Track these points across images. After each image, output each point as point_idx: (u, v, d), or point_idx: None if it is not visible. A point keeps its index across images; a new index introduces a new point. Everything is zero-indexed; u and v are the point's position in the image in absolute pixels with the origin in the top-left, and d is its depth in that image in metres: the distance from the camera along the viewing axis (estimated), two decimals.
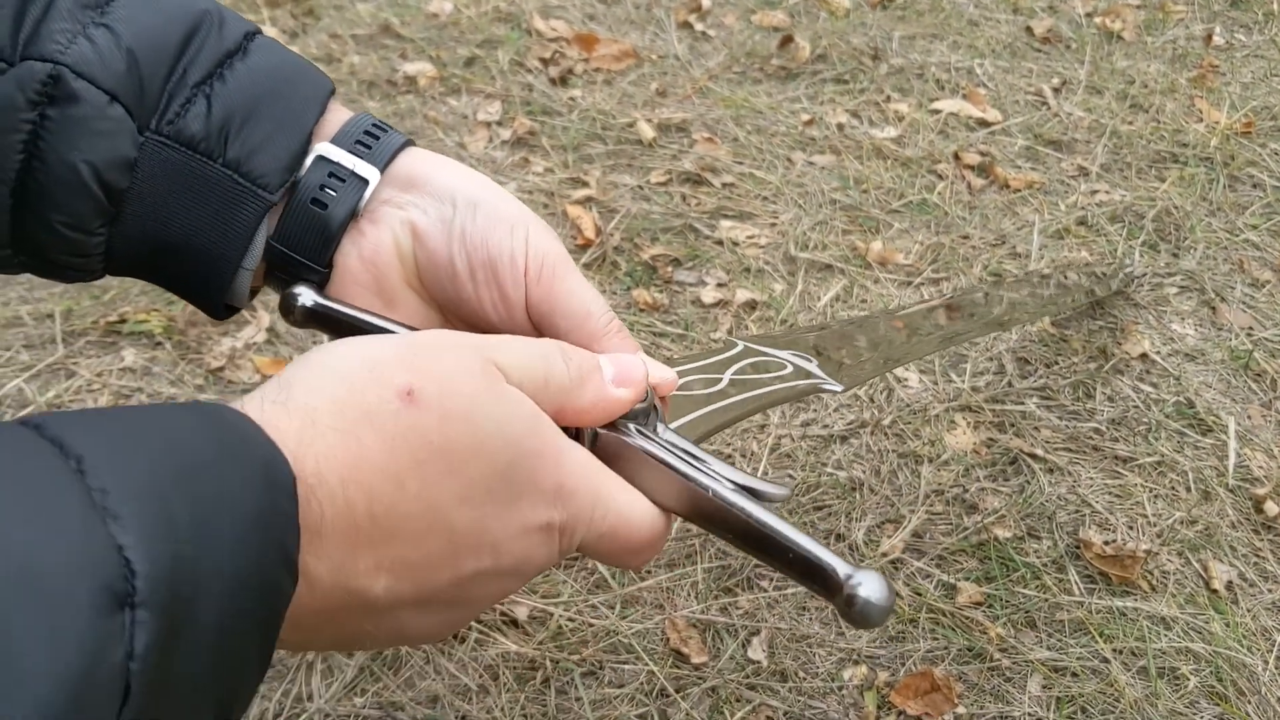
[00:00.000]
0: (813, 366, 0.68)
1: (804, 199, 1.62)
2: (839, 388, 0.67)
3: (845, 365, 0.73)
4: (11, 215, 0.47)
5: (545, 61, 1.87)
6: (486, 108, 1.76)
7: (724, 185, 1.64)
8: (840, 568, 0.40)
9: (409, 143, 0.53)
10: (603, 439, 0.47)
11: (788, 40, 1.97)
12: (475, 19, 1.98)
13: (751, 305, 1.43)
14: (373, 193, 0.51)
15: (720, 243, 1.53)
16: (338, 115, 0.53)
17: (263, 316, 1.36)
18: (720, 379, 0.59)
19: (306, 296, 0.50)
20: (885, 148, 1.74)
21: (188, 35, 0.49)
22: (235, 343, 1.33)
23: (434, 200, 0.51)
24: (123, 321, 1.35)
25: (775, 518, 0.43)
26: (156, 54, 0.48)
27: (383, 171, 0.51)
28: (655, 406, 0.49)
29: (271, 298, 1.39)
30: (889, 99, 1.86)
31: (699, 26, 2.03)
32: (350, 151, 0.51)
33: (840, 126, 1.78)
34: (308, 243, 0.50)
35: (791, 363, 0.67)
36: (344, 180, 0.50)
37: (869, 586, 0.39)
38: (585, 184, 1.60)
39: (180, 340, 1.33)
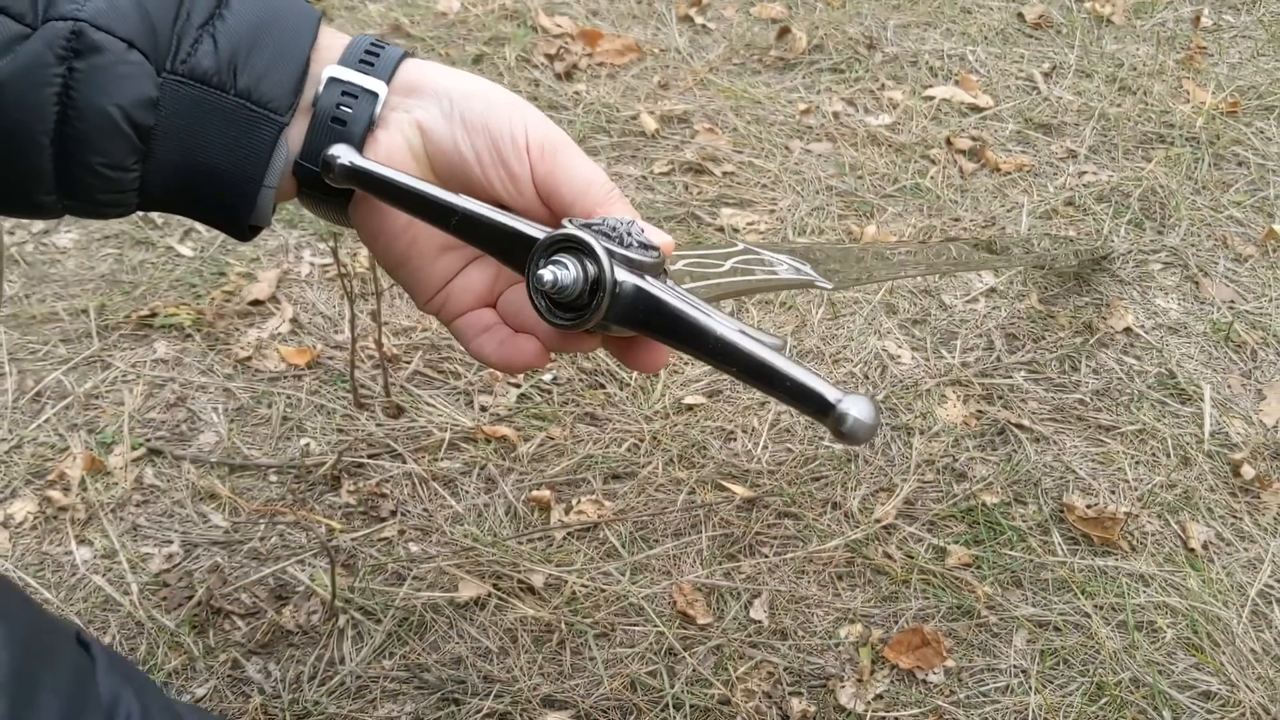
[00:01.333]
0: (806, 268, 0.74)
1: (802, 186, 1.68)
2: (829, 285, 0.73)
3: (836, 271, 0.80)
4: (54, 163, 0.53)
5: (551, 57, 1.94)
6: None
7: (724, 174, 1.70)
8: (830, 393, 0.45)
9: (406, 54, 0.59)
10: (622, 288, 0.51)
11: (785, 31, 2.03)
12: (482, 16, 2.05)
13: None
14: (383, 103, 0.57)
15: (721, 229, 1.60)
16: (333, 39, 0.59)
17: (286, 308, 1.43)
18: (722, 265, 0.65)
19: (345, 155, 0.55)
20: (880, 134, 1.80)
21: None
22: (261, 333, 1.40)
23: (434, 99, 0.57)
24: (154, 315, 1.42)
25: (774, 354, 0.48)
26: (163, 1, 0.54)
27: (388, 83, 0.57)
28: (665, 267, 0.54)
29: (294, 293, 1.46)
30: (884, 87, 1.92)
31: (699, 19, 2.09)
32: (357, 70, 0.57)
33: (836, 114, 1.84)
34: None
35: (786, 262, 0.73)
36: (356, 97, 0.56)
37: (857, 408, 0.44)
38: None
39: (209, 332, 1.40)
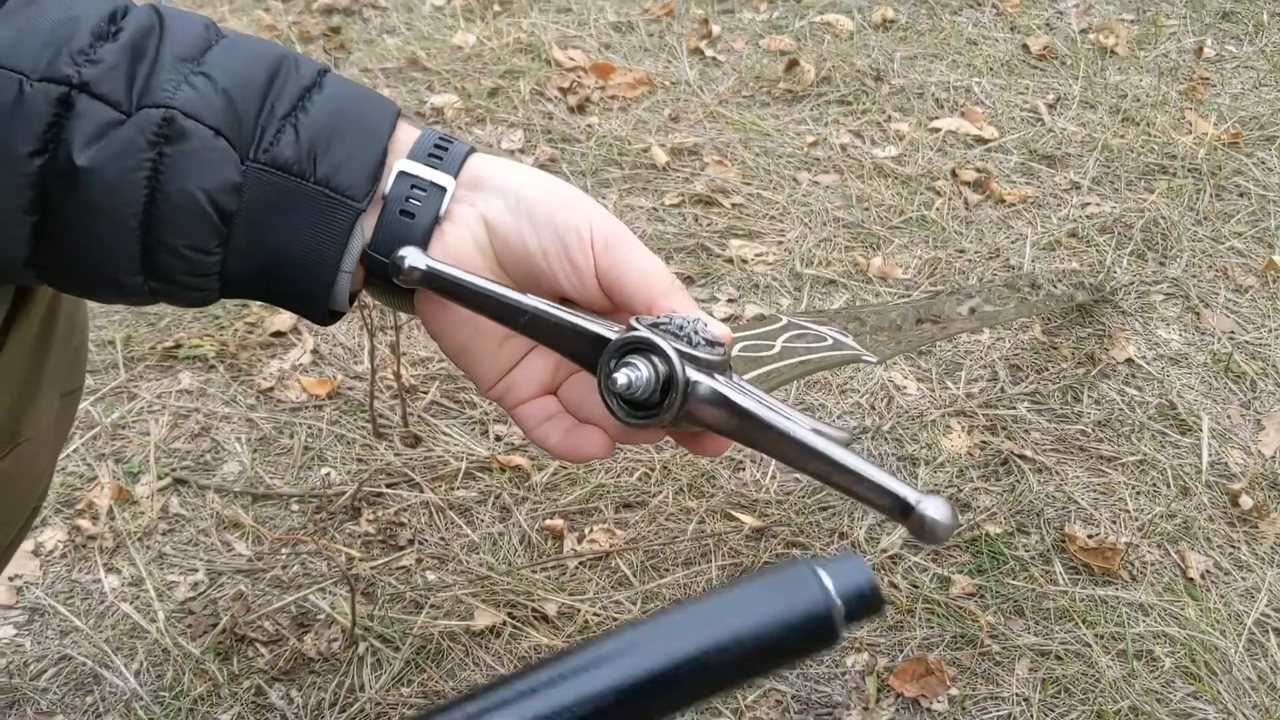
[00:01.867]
0: (849, 340, 0.77)
1: (809, 217, 1.72)
2: (874, 359, 0.75)
3: (879, 339, 0.82)
4: (141, 244, 0.56)
5: (564, 90, 1.98)
6: (510, 136, 1.87)
7: (733, 205, 1.74)
8: (909, 495, 0.46)
9: (472, 150, 0.62)
10: (696, 388, 0.52)
11: (794, 64, 2.07)
12: (497, 50, 2.09)
13: (761, 320, 1.53)
14: (450, 197, 0.59)
15: (730, 260, 1.63)
16: (407, 133, 0.61)
17: (307, 339, 1.47)
18: (773, 345, 0.68)
19: (415, 258, 0.57)
20: (886, 166, 1.83)
21: (271, 76, 0.58)
22: (283, 364, 1.44)
23: (499, 194, 0.60)
24: (178, 346, 1.46)
25: (847, 453, 0.49)
26: (248, 93, 0.57)
27: (455, 177, 0.60)
28: (729, 362, 0.55)
29: (314, 325, 1.50)
30: (890, 118, 1.96)
31: (709, 52, 2.13)
32: (426, 164, 0.60)
33: (844, 147, 1.88)
34: (400, 248, 0.58)
35: (832, 336, 0.75)
36: (425, 190, 0.59)
37: (936, 509, 0.46)
38: (604, 207, 1.70)
39: (232, 363, 1.44)
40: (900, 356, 1.47)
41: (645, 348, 0.53)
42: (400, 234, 0.59)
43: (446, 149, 0.60)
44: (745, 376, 0.58)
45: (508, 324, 0.58)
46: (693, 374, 0.53)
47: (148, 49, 0.56)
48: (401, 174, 0.59)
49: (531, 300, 0.57)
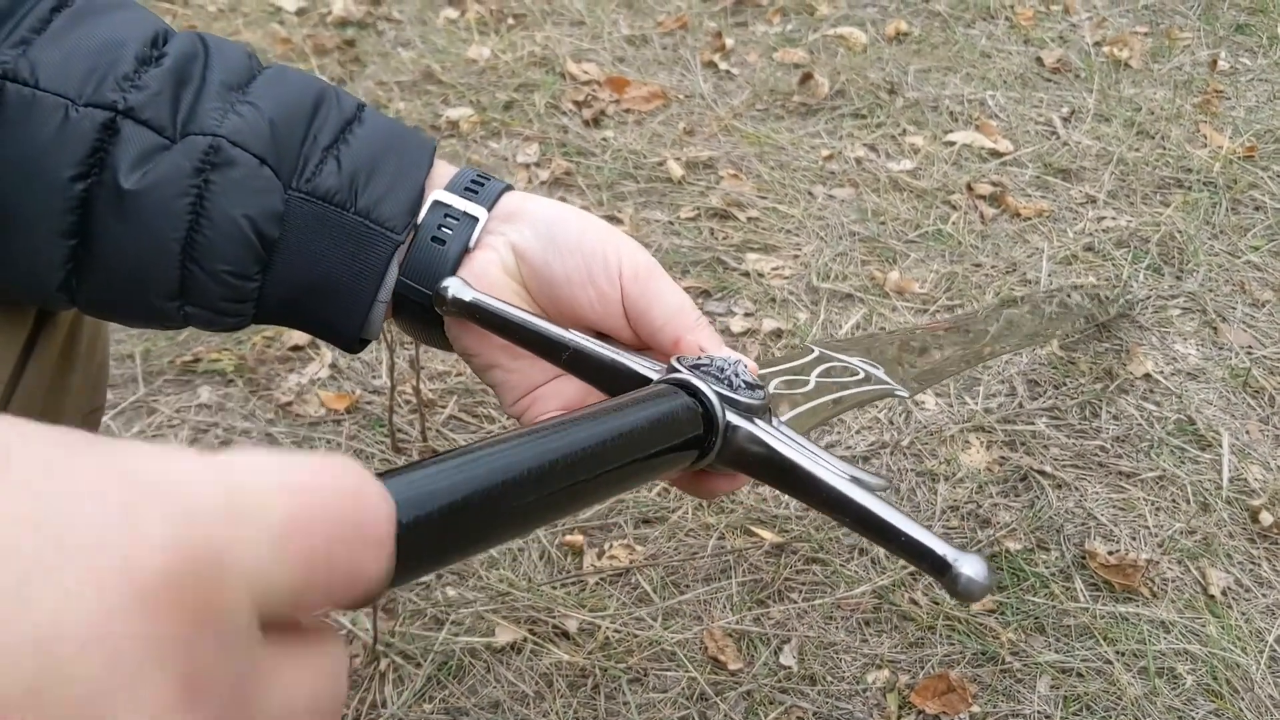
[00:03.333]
0: (880, 373, 0.77)
1: (825, 231, 1.72)
2: (906, 393, 0.76)
3: (910, 370, 0.82)
4: (180, 269, 0.56)
5: (579, 104, 1.98)
6: (525, 149, 1.88)
7: (749, 219, 1.74)
8: (946, 553, 0.46)
9: (508, 187, 0.62)
10: (736, 433, 0.52)
11: (808, 77, 2.08)
12: (512, 64, 2.10)
13: (777, 334, 1.53)
14: (482, 228, 0.60)
15: (747, 274, 1.63)
16: (444, 168, 0.62)
17: (326, 354, 1.47)
18: (807, 381, 0.68)
19: (459, 290, 0.57)
20: (901, 180, 1.83)
21: (314, 108, 0.59)
22: (301, 379, 1.44)
23: (529, 224, 0.60)
24: (197, 361, 1.46)
25: (885, 506, 0.49)
26: (292, 124, 0.58)
27: (489, 210, 0.60)
28: (769, 406, 0.55)
29: None
30: (905, 132, 1.96)
31: (723, 65, 2.13)
32: (462, 196, 0.60)
33: (859, 160, 1.88)
34: (429, 274, 0.59)
35: (863, 368, 0.75)
36: (458, 220, 0.60)
37: (972, 568, 0.46)
38: (619, 220, 1.71)
39: (251, 378, 1.44)
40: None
41: (686, 390, 0.53)
42: (431, 260, 0.59)
43: (483, 184, 0.61)
44: (782, 418, 0.58)
45: (548, 358, 0.58)
46: (733, 418, 0.52)
47: (192, 75, 0.57)
48: (436, 203, 0.60)
49: (573, 336, 0.57)
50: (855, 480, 0.50)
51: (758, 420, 0.53)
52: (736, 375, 0.54)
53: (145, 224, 0.55)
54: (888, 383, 0.75)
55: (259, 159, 0.56)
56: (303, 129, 0.58)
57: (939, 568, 0.46)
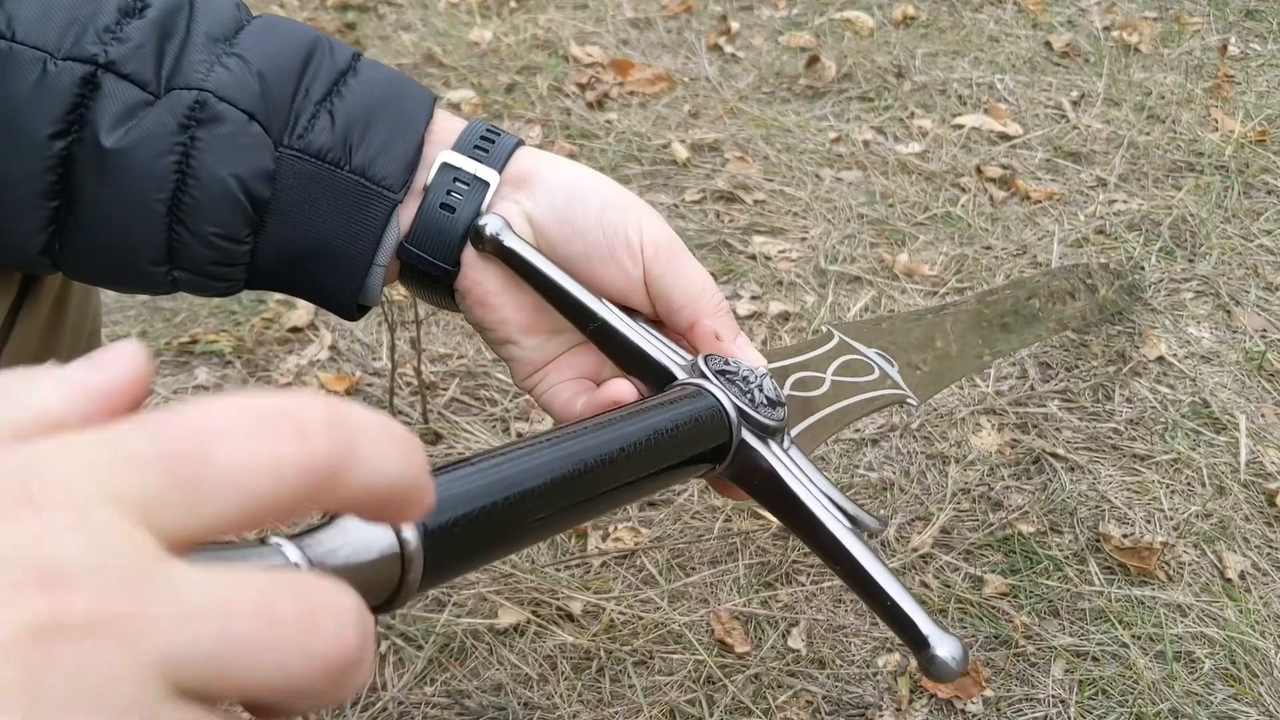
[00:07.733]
0: (894, 371, 0.75)
1: (833, 214, 1.70)
2: (916, 401, 0.74)
3: (921, 372, 0.80)
4: (167, 232, 0.53)
5: (582, 86, 1.96)
6: (528, 132, 1.85)
7: (756, 202, 1.71)
8: (927, 629, 0.46)
9: (520, 143, 0.59)
10: (742, 450, 0.51)
11: (814, 60, 2.05)
12: (514, 46, 2.07)
13: (785, 317, 1.51)
14: (493, 193, 0.57)
15: (754, 257, 1.61)
16: (448, 122, 0.59)
17: (325, 335, 1.45)
18: (823, 380, 0.66)
19: (497, 228, 0.55)
20: (910, 163, 1.81)
21: (305, 59, 0.55)
22: (300, 360, 1.42)
23: (545, 193, 0.57)
24: (194, 342, 1.44)
25: (877, 563, 0.49)
26: (282, 77, 0.54)
27: (500, 172, 0.57)
28: (787, 429, 0.54)
29: (332, 320, 1.48)
30: (913, 115, 1.94)
31: (729, 49, 2.11)
32: (470, 156, 0.57)
33: (866, 143, 1.86)
34: (439, 243, 0.57)
35: (878, 365, 0.73)
36: (468, 184, 0.56)
37: (947, 650, 0.46)
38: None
39: (249, 359, 1.42)
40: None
41: (707, 398, 0.52)
42: (439, 228, 0.56)
43: (494, 141, 0.58)
44: (794, 430, 0.57)
45: (576, 323, 0.56)
46: (747, 436, 0.52)
47: (177, 26, 0.53)
48: (444, 165, 0.57)
49: (604, 309, 0.56)
50: (854, 521, 0.50)
51: (771, 443, 0.52)
52: (760, 389, 0.53)
53: (128, 184, 0.52)
54: (901, 387, 0.73)
55: (247, 114, 0.53)
56: (294, 82, 0.55)
57: (918, 643, 0.47)
